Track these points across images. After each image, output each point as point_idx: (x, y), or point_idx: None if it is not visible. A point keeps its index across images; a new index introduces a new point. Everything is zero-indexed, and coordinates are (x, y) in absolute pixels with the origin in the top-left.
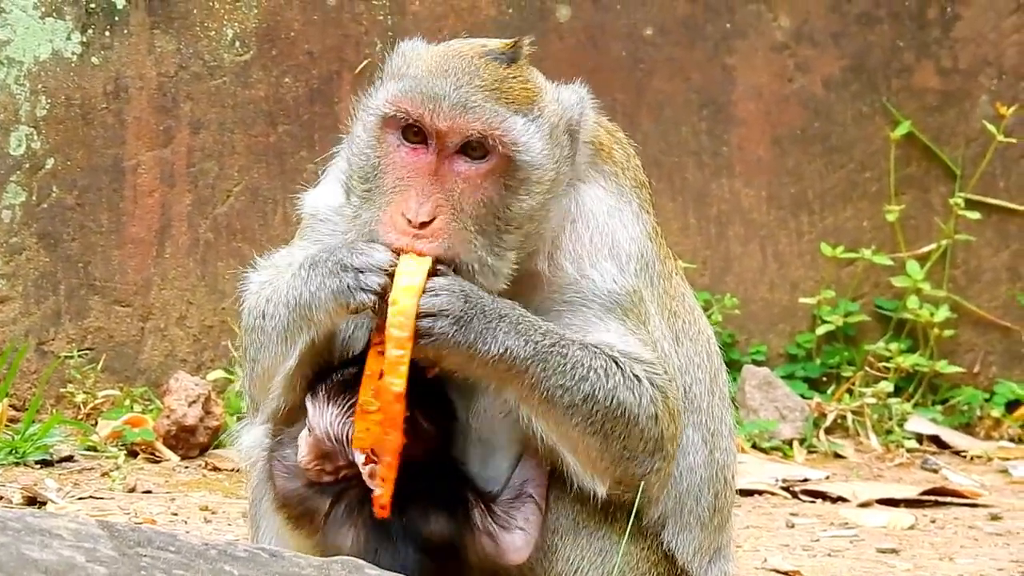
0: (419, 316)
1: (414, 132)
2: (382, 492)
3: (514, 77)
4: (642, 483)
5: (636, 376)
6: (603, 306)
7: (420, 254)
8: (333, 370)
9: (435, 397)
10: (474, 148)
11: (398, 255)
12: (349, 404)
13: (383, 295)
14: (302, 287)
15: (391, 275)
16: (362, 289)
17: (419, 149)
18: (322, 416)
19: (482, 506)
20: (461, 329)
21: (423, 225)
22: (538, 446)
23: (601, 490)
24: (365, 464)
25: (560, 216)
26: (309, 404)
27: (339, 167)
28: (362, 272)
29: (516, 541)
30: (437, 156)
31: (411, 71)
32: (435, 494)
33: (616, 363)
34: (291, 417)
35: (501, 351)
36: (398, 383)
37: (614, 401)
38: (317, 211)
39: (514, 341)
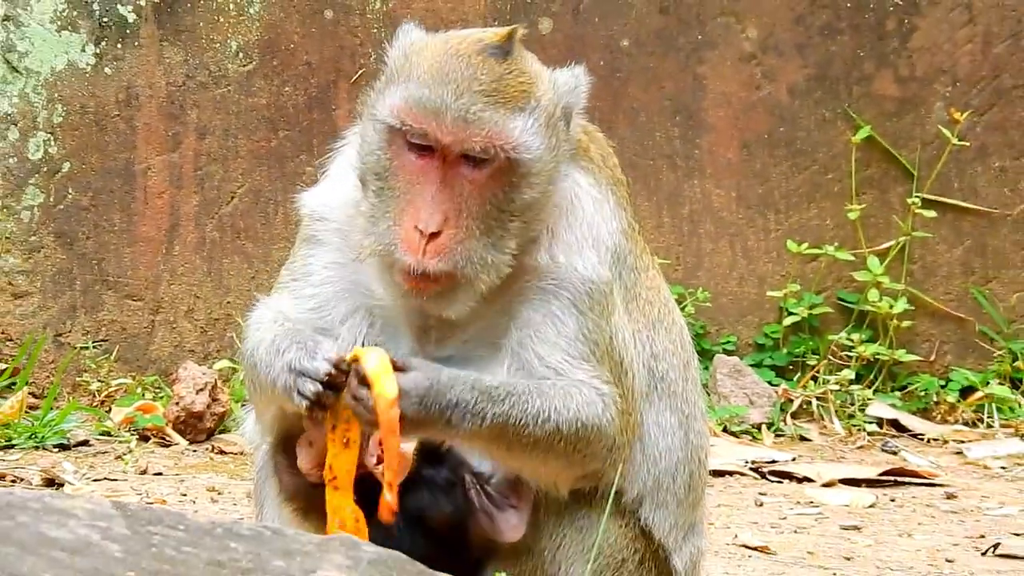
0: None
1: (420, 140)
2: (391, 499)
3: (510, 72)
4: (601, 475)
5: (589, 393)
6: (572, 297)
7: (428, 277)
8: None
9: None
10: (477, 153)
11: (333, 371)
12: None
13: (318, 401)
14: (269, 366)
15: (329, 384)
16: (299, 393)
17: (425, 156)
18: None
19: (478, 487)
20: (424, 409)
21: (432, 236)
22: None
23: (564, 492)
24: (377, 464)
25: (555, 201)
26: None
27: (350, 157)
28: (301, 376)
29: (511, 519)
30: (443, 163)
31: (413, 74)
32: (435, 478)
33: (569, 393)
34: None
35: (469, 429)
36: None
37: (577, 424)
38: (315, 211)
39: (469, 423)
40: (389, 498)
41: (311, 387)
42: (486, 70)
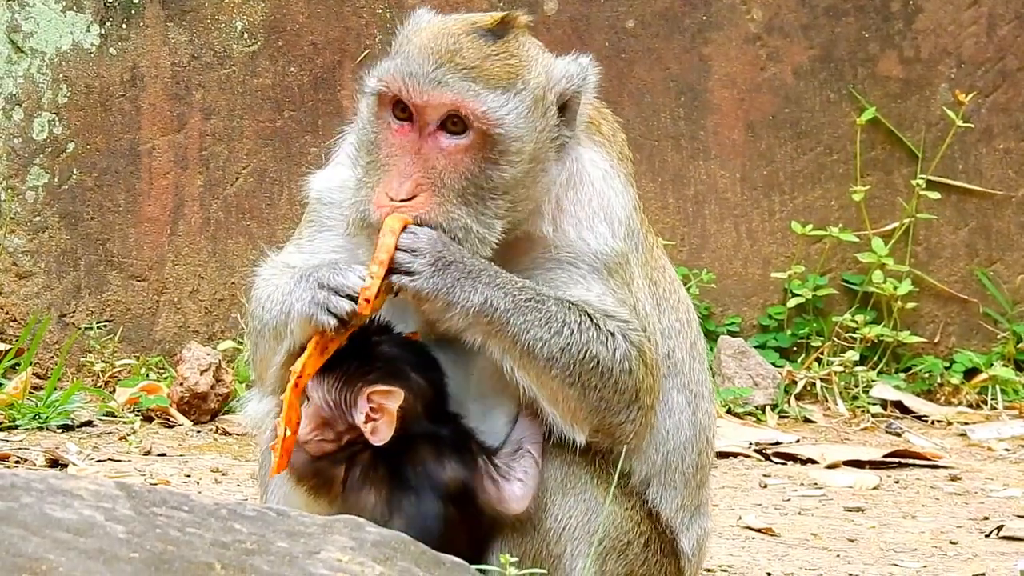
0: (397, 249)
1: (401, 109)
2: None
3: (498, 54)
4: (619, 432)
5: (610, 331)
6: (591, 266)
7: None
8: None
9: (419, 354)
10: (454, 123)
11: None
12: (344, 372)
13: (347, 322)
14: (287, 296)
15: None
16: (329, 311)
17: (405, 127)
18: (320, 385)
19: (484, 456)
20: (439, 272)
21: (404, 201)
22: (521, 398)
23: (581, 439)
24: (366, 423)
25: (562, 179)
26: None
27: (349, 141)
28: (335, 293)
29: (516, 491)
30: (419, 133)
31: (403, 49)
32: (444, 443)
33: (590, 318)
34: None
35: (481, 300)
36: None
37: (587, 354)
38: (321, 195)
39: (493, 292)
40: (368, 283)
41: (345, 305)
42: (472, 48)
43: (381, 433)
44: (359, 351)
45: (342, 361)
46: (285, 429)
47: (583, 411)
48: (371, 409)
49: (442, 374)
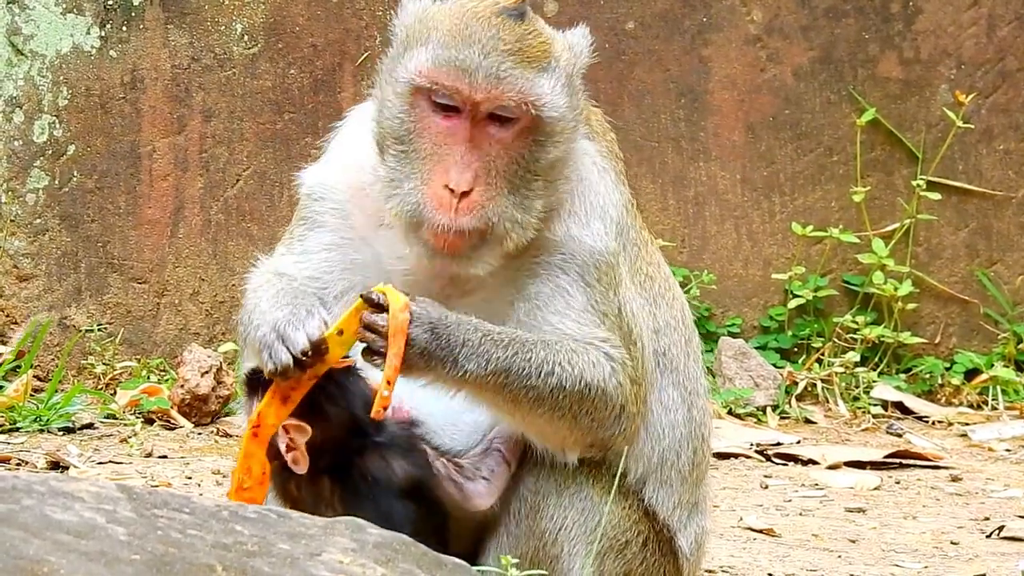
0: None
1: (447, 100)
2: (387, 394)
3: (530, 33)
4: (611, 442)
5: (594, 361)
6: (580, 267)
7: (462, 234)
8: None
9: (336, 384)
10: (508, 112)
11: (321, 343)
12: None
13: (283, 372)
14: (262, 316)
15: (297, 362)
16: (270, 357)
17: (452, 116)
18: (248, 410)
19: (443, 460)
20: (434, 340)
21: (464, 195)
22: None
23: (573, 459)
24: (287, 452)
25: (568, 172)
26: (245, 400)
27: (356, 139)
28: (281, 340)
29: (479, 489)
30: (471, 122)
31: (432, 36)
32: (389, 448)
33: (575, 351)
34: None
35: (469, 375)
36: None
37: (581, 383)
38: (313, 191)
39: (474, 364)
40: (386, 393)
41: (284, 356)
42: (507, 30)
43: (298, 464)
44: None
45: (262, 391)
46: (243, 478)
47: (575, 436)
48: (290, 440)
49: (351, 402)
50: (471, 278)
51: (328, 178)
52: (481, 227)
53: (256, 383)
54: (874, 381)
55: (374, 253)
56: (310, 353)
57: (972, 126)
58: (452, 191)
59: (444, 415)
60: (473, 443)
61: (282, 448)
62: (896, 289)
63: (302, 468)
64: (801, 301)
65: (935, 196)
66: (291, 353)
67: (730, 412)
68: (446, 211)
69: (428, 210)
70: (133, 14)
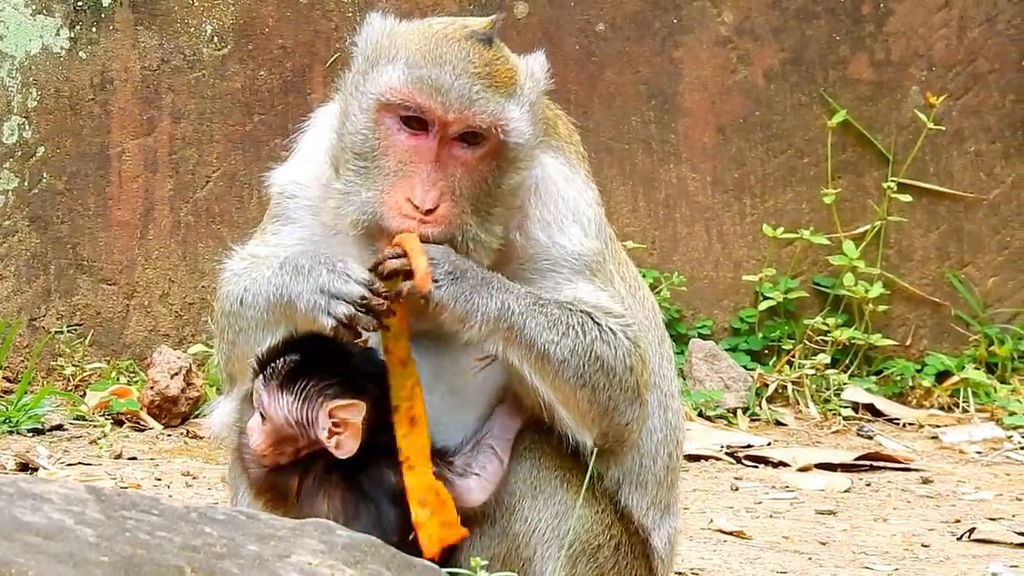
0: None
1: (416, 118)
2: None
3: (497, 59)
4: (625, 432)
5: (611, 329)
6: (572, 268)
7: (424, 239)
8: (278, 354)
9: (372, 364)
10: (473, 135)
11: (373, 282)
12: (303, 388)
13: (348, 324)
14: (288, 285)
15: (363, 307)
16: (329, 314)
17: (419, 135)
18: (279, 403)
19: (437, 458)
20: (456, 281)
21: (428, 212)
22: (534, 403)
23: (589, 442)
24: (330, 437)
25: (527, 183)
26: (263, 392)
27: (322, 136)
28: (335, 298)
29: (471, 485)
30: (438, 142)
31: (401, 55)
32: (390, 449)
33: (592, 318)
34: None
35: (498, 306)
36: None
37: (593, 354)
38: (284, 189)
39: (506, 297)
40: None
41: (343, 309)
42: (476, 54)
43: (346, 447)
44: (315, 366)
45: (303, 380)
46: (422, 514)
47: (593, 412)
48: (333, 424)
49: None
50: None
51: (299, 176)
52: (447, 239)
53: (265, 367)
54: (845, 383)
55: (346, 252)
56: (368, 296)
57: (943, 128)
58: (416, 206)
59: (436, 413)
60: (465, 441)
61: (323, 435)
62: (867, 291)
63: (348, 451)
64: (772, 303)
65: (906, 198)
66: (351, 303)
67: (700, 414)
68: (409, 219)
69: (387, 218)
70: (103, 15)
